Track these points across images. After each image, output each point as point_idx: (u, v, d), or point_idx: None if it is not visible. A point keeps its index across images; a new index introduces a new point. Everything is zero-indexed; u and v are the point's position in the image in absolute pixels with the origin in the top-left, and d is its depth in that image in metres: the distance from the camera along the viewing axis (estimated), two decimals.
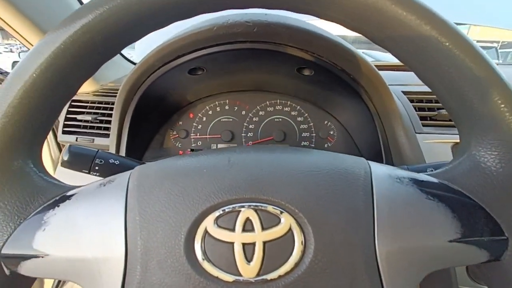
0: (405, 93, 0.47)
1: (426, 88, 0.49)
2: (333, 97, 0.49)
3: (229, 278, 0.17)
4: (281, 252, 0.17)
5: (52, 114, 0.21)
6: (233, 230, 0.17)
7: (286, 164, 0.20)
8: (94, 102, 0.54)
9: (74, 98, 0.55)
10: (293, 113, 0.59)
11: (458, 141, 0.43)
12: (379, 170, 0.21)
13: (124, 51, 0.57)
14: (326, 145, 0.57)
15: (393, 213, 0.19)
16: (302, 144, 0.58)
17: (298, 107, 0.59)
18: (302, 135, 0.58)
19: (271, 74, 0.47)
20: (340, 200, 0.18)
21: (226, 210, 0.18)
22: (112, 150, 0.44)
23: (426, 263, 0.19)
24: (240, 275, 0.17)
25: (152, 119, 0.51)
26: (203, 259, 0.17)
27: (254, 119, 0.59)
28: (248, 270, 0.17)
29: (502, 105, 0.18)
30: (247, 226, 0.17)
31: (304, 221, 0.18)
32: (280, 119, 0.59)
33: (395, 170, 0.22)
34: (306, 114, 0.58)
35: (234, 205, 0.18)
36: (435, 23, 0.19)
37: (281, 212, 0.18)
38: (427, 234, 0.18)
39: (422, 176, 0.21)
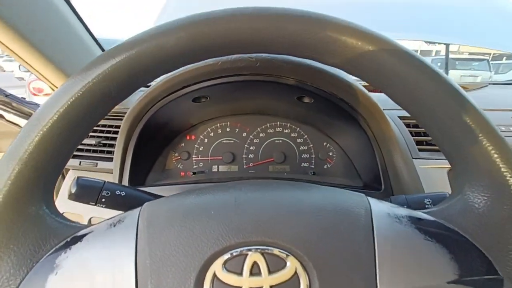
0: (401, 118, 0.48)
1: None
2: (332, 122, 0.51)
3: None
4: None
5: (66, 157, 0.22)
6: (240, 274, 0.18)
7: (291, 204, 0.21)
8: (98, 126, 0.55)
9: None
10: (293, 134, 0.60)
11: None
12: (378, 208, 0.22)
13: None
14: (325, 166, 0.58)
15: (394, 254, 0.19)
16: (302, 165, 0.59)
17: (298, 129, 0.60)
18: (302, 156, 0.59)
19: (272, 101, 0.49)
20: (343, 242, 0.19)
21: (234, 254, 0.18)
22: (116, 174, 0.45)
23: None
24: None
25: (155, 143, 0.52)
26: None
27: (254, 140, 0.60)
28: None
29: (492, 151, 0.20)
30: (255, 270, 0.18)
31: (309, 264, 0.18)
32: (281, 141, 0.60)
33: (393, 209, 0.23)
34: (306, 136, 0.60)
35: (241, 249, 0.19)
36: (427, 73, 0.21)
37: (287, 256, 0.18)
38: (426, 276, 0.19)
39: (420, 215, 0.22)
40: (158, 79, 0.40)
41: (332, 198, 0.22)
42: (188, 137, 0.59)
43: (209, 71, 0.37)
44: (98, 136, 0.53)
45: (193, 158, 0.58)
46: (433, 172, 0.43)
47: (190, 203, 0.22)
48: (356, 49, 0.21)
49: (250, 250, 0.18)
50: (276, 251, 0.19)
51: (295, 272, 0.18)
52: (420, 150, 0.44)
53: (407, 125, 0.47)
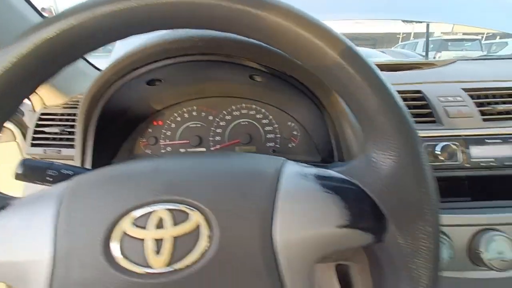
0: None
1: None
2: (289, 101, 0.52)
3: (141, 270, 0.19)
4: (189, 245, 0.19)
5: (5, 116, 0.23)
6: (145, 228, 0.20)
7: (204, 168, 0.23)
8: (63, 114, 0.55)
9: (43, 111, 0.57)
10: (258, 116, 0.62)
11: None
12: (290, 169, 0.24)
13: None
14: (290, 145, 0.60)
15: (292, 205, 0.21)
16: (267, 145, 0.60)
17: (263, 110, 0.61)
18: (267, 136, 0.60)
19: (226, 82, 0.50)
20: (245, 198, 0.21)
21: (143, 211, 0.20)
22: (77, 160, 0.46)
23: (319, 247, 0.21)
24: (150, 267, 0.19)
25: (118, 128, 0.53)
26: (120, 256, 0.19)
27: (221, 123, 0.61)
28: (158, 262, 0.19)
29: (385, 112, 0.21)
30: (160, 224, 0.20)
31: (211, 217, 0.20)
32: (246, 123, 0.61)
33: (305, 168, 0.24)
34: (271, 117, 0.61)
35: (150, 206, 0.20)
36: (329, 40, 0.22)
37: (192, 211, 0.20)
38: (320, 222, 0.21)
39: (328, 173, 0.24)
40: (108, 63, 0.41)
41: (247, 163, 0.24)
42: (155, 123, 0.60)
43: (155, 52, 0.38)
44: (63, 125, 0.54)
45: (161, 143, 0.60)
46: None
47: (114, 171, 0.23)
48: (271, 22, 0.21)
49: (158, 207, 0.20)
50: (182, 207, 0.20)
51: (198, 225, 0.20)
52: None
53: None
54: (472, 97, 0.49)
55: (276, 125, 0.60)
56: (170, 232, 0.19)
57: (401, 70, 0.68)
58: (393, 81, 0.54)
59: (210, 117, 0.61)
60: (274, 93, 0.52)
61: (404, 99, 0.49)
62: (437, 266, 0.21)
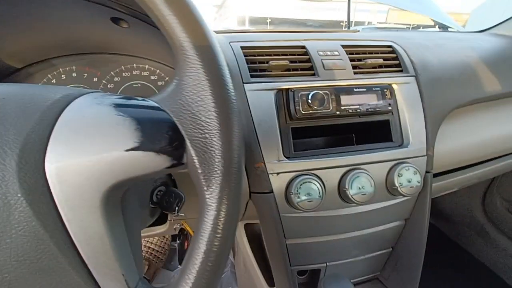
0: (242, 48, 0.49)
1: (262, 44, 0.52)
2: (165, 50, 0.49)
3: None
4: None
5: None
6: None
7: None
8: None
9: None
10: (152, 77, 0.57)
11: (282, 88, 0.47)
12: (86, 99, 0.21)
13: None
14: None
15: (69, 133, 0.19)
16: None
17: (158, 71, 0.57)
18: None
19: (86, 24, 0.44)
20: (16, 124, 0.18)
21: None
22: None
23: (105, 175, 0.19)
24: None
25: None
26: None
27: (109, 86, 0.55)
28: None
29: (188, 49, 0.21)
30: None
31: None
32: (139, 85, 0.57)
33: (108, 98, 0.22)
34: (167, 78, 0.57)
35: None
36: None
37: None
38: (105, 147, 0.19)
39: (132, 101, 0.23)
40: None
41: (32, 90, 0.21)
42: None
43: None
44: None
45: None
46: (263, 95, 0.46)
47: None
48: None
49: None
50: None
51: None
52: (252, 76, 0.46)
53: (245, 55, 0.48)
54: (347, 52, 0.52)
55: (167, 78, 0.57)
56: None
57: None
58: (284, 38, 0.55)
59: (95, 79, 0.55)
60: (152, 46, 0.49)
61: (291, 54, 0.51)
62: (234, 192, 0.21)
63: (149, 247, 0.99)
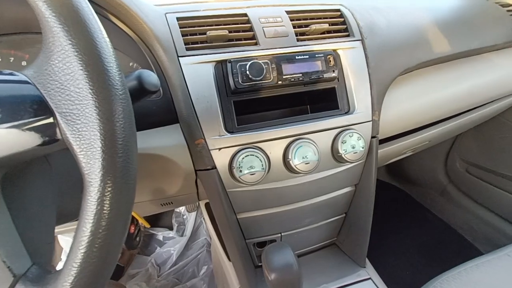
0: (178, 19, 0.46)
1: (200, 13, 0.48)
2: (115, 37, 0.45)
3: None
4: None
5: None
6: None
7: None
8: None
9: None
10: None
11: (220, 59, 0.45)
12: None
13: None
14: None
15: None
16: None
17: None
18: None
19: None
20: None
21: None
22: None
23: None
24: None
25: None
26: None
27: None
28: None
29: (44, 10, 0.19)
30: None
31: None
32: None
33: None
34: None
35: None
36: None
37: None
38: None
39: (6, 76, 0.21)
40: None
41: None
42: None
43: None
44: None
45: None
46: (200, 68, 0.43)
47: None
48: None
49: None
50: None
51: None
52: (187, 49, 0.43)
53: (181, 26, 0.45)
54: (292, 19, 0.50)
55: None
56: None
57: None
58: (225, 6, 0.51)
59: (24, 63, 0.50)
60: None
61: (232, 23, 0.48)
62: (121, 169, 0.20)
63: None
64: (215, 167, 0.43)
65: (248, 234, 0.52)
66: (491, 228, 0.98)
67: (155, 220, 1.16)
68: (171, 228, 1.15)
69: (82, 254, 0.19)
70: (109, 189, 0.19)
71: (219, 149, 0.43)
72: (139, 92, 0.29)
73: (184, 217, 1.18)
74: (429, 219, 1.19)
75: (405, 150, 0.66)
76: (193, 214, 1.17)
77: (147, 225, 0.44)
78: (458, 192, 1.11)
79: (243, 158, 0.43)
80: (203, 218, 1.05)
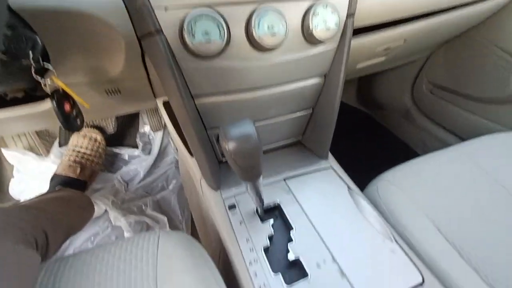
0: None
1: None
2: None
3: None
4: None
5: None
6: None
7: None
8: None
9: None
10: None
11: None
12: None
13: None
14: None
15: None
16: None
17: None
18: None
19: None
20: None
21: None
22: None
23: None
24: None
25: None
26: None
27: None
28: None
29: None
30: None
31: None
32: None
33: None
34: None
35: None
36: None
37: None
38: None
39: None
40: None
41: None
42: None
43: None
44: None
45: None
46: None
47: None
48: None
49: None
50: None
51: None
52: None
53: None
54: None
55: None
56: None
57: None
58: None
59: None
60: None
61: None
62: None
63: (78, 151, 0.92)
64: (161, 31, 0.36)
65: (208, 122, 0.48)
66: (442, 144, 1.06)
67: (118, 139, 1.09)
68: (136, 147, 1.10)
69: None
70: None
71: (166, 8, 0.35)
72: None
73: (150, 137, 1.13)
74: (390, 139, 1.27)
75: (379, 46, 0.63)
76: (160, 133, 1.12)
77: (87, 106, 0.38)
78: (419, 113, 1.16)
79: (196, 22, 0.36)
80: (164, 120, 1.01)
